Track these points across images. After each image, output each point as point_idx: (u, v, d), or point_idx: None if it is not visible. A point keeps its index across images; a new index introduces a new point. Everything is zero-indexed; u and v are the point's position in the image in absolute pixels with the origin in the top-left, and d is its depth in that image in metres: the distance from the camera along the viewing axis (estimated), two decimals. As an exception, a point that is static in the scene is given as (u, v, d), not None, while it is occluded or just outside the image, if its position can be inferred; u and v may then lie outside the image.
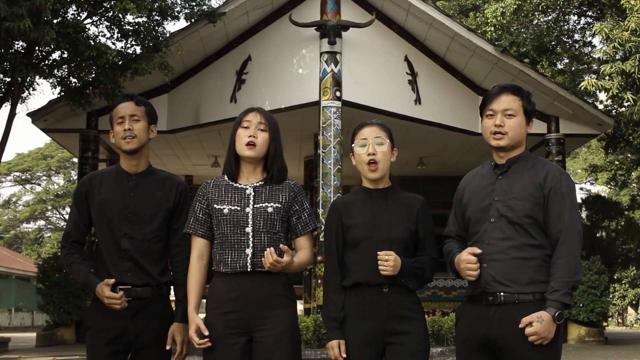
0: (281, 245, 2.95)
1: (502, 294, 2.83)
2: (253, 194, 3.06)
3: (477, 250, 2.88)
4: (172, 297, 3.29)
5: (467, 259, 2.88)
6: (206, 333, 2.96)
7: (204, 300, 3.12)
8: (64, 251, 3.26)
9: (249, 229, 3.00)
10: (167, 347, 3.14)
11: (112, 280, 3.07)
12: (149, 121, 3.28)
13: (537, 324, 2.73)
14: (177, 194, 3.27)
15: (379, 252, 2.95)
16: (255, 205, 3.04)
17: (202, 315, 3.08)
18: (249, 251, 2.99)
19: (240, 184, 3.10)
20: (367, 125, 3.17)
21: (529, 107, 3.01)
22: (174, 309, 3.25)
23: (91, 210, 3.23)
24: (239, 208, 3.03)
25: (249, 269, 2.97)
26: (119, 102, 3.29)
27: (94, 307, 3.19)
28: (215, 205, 3.06)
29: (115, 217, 3.18)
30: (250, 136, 3.05)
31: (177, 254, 3.25)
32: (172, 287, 3.29)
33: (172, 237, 3.25)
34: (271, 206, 3.04)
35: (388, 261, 2.93)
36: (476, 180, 3.07)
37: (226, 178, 3.14)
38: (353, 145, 3.16)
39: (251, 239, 3.00)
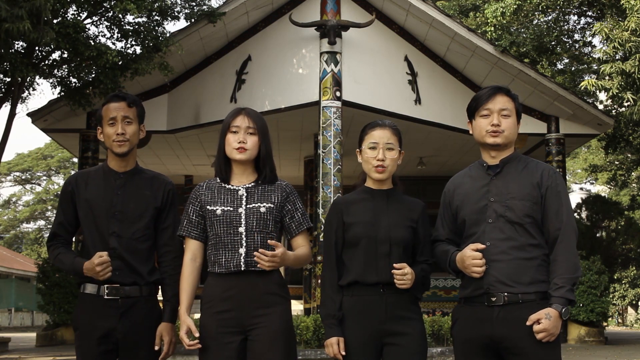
0: (269, 241, 2.95)
1: (505, 294, 2.84)
2: (245, 194, 3.08)
3: (481, 246, 2.88)
4: (160, 297, 3.27)
5: (472, 255, 2.88)
6: (196, 334, 2.96)
7: (197, 301, 3.12)
8: (49, 249, 3.24)
9: (242, 229, 3.01)
10: (156, 348, 3.12)
11: (105, 253, 3.03)
12: (139, 122, 3.26)
13: (546, 320, 2.75)
14: (164, 193, 3.26)
15: (395, 265, 2.95)
16: (247, 206, 3.05)
17: (196, 316, 3.07)
18: (242, 251, 2.99)
19: (232, 185, 3.11)
20: (379, 127, 3.16)
21: (519, 108, 3.08)
22: (161, 308, 3.23)
23: (78, 208, 3.20)
24: (231, 208, 3.04)
25: (242, 268, 2.98)
26: (110, 100, 3.23)
27: (80, 308, 3.16)
28: (208, 207, 3.07)
29: (102, 215, 3.15)
30: (240, 142, 3.06)
31: (165, 253, 3.23)
32: (159, 286, 3.26)
33: (160, 237, 3.23)
34: (264, 206, 3.05)
35: (406, 275, 2.94)
36: (467, 182, 3.07)
37: (218, 180, 3.15)
38: (362, 145, 3.15)
39: (244, 239, 3.00)
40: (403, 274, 2.92)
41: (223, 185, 3.12)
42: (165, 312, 3.17)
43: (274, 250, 2.92)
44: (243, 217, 3.02)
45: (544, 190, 2.90)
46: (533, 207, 2.89)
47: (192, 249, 3.10)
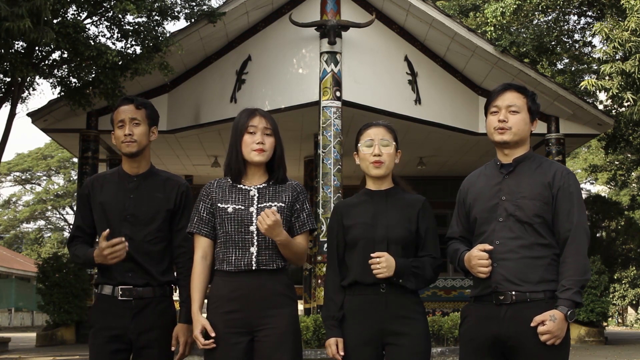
0: (266, 209, 2.93)
1: (513, 293, 2.83)
2: (257, 195, 3.09)
3: (489, 247, 2.87)
4: (176, 298, 3.29)
5: (478, 255, 2.88)
6: (212, 334, 2.96)
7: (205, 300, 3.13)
8: (69, 249, 3.31)
9: (253, 228, 3.02)
10: (172, 348, 3.16)
11: (107, 231, 3.06)
12: (149, 124, 3.29)
13: (550, 322, 2.73)
14: (177, 195, 3.28)
15: (371, 255, 2.96)
16: (259, 205, 3.05)
17: (204, 316, 3.08)
18: (253, 250, 3.00)
19: (244, 185, 3.12)
20: (373, 125, 3.19)
21: (533, 106, 3.03)
22: (177, 309, 3.26)
23: (93, 211, 3.26)
24: (243, 207, 3.05)
25: (253, 268, 2.99)
26: (120, 104, 3.29)
27: (96, 306, 3.23)
28: (219, 204, 3.08)
29: (115, 218, 3.20)
30: (258, 142, 3.07)
31: (180, 254, 3.25)
32: (174, 287, 3.30)
33: (174, 238, 3.26)
34: (275, 205, 3.06)
35: (380, 262, 2.93)
36: (481, 181, 3.06)
37: (229, 180, 3.15)
38: (359, 145, 3.17)
39: (255, 238, 3.01)
40: (375, 261, 2.94)
41: (234, 185, 3.13)
42: (181, 312, 3.19)
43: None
44: (254, 215, 3.03)
45: (556, 190, 2.89)
46: (543, 207, 2.87)
47: (202, 246, 3.10)
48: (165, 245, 3.26)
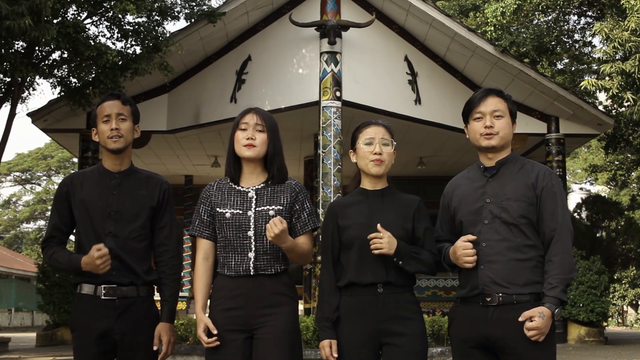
0: (277, 217, 2.93)
1: (500, 295, 2.85)
2: (255, 197, 3.08)
3: (472, 237, 2.91)
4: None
5: (463, 245, 2.91)
6: (215, 332, 2.97)
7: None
8: (44, 250, 3.24)
9: (251, 233, 3.03)
10: (155, 348, 3.12)
11: (101, 245, 3.00)
12: (133, 121, 3.26)
13: (539, 319, 2.76)
14: (160, 192, 3.25)
15: (369, 236, 2.96)
16: (257, 209, 3.05)
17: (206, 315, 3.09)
18: (251, 255, 3.01)
19: (242, 187, 3.12)
20: (372, 124, 3.18)
21: (513, 108, 3.09)
22: (158, 308, 3.23)
23: (73, 209, 3.19)
24: (241, 211, 3.05)
25: (252, 273, 3.00)
26: (105, 100, 3.24)
27: (77, 309, 3.15)
28: (218, 209, 3.08)
29: (98, 215, 3.14)
30: (248, 138, 3.07)
31: (161, 253, 3.22)
32: (156, 286, 3.25)
33: (156, 237, 3.23)
34: (273, 209, 3.06)
35: (383, 238, 2.93)
36: (465, 184, 3.09)
37: (229, 180, 3.16)
38: (358, 142, 3.15)
39: (253, 243, 3.02)
40: (379, 236, 2.94)
41: (233, 186, 3.13)
42: (163, 312, 3.17)
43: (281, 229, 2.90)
44: (252, 220, 3.04)
45: (539, 191, 2.92)
46: (528, 208, 2.90)
47: (204, 248, 3.11)
48: (148, 244, 3.22)
